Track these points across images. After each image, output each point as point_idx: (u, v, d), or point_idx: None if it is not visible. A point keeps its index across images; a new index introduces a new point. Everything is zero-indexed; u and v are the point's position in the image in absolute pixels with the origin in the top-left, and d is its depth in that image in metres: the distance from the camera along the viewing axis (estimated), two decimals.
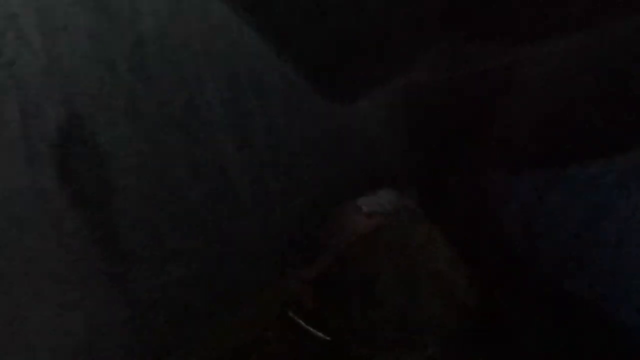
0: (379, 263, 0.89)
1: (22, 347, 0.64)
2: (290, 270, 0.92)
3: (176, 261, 0.76)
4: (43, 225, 0.66)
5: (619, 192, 0.71)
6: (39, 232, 0.65)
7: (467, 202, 0.95)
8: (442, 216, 0.93)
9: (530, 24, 0.84)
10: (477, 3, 0.92)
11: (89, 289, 0.69)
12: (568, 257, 0.70)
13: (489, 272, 0.86)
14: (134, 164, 0.74)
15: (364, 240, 0.92)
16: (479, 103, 0.94)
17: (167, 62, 0.77)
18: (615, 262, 0.65)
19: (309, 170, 0.98)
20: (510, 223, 0.81)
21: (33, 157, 0.64)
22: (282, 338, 0.86)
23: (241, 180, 0.87)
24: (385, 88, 1.02)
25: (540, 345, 0.74)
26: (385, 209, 0.97)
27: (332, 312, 0.88)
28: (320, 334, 0.87)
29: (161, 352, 0.75)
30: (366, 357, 0.83)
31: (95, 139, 0.70)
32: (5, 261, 0.62)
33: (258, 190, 0.90)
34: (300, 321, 0.88)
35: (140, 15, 0.75)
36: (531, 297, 0.78)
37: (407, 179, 1.07)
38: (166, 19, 0.77)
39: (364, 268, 0.90)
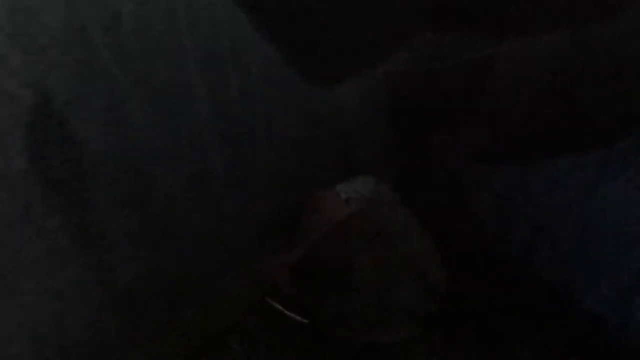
0: (355, 248, 0.91)
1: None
2: (269, 256, 0.92)
3: (152, 246, 0.75)
4: (13, 210, 0.63)
5: (586, 186, 0.74)
6: (9, 216, 0.62)
7: (443, 191, 0.97)
8: (418, 203, 0.95)
9: (514, 20, 0.85)
10: None
11: (65, 275, 0.67)
12: (538, 245, 0.73)
13: (461, 257, 0.88)
14: (109, 147, 0.71)
15: (342, 226, 0.93)
16: (459, 94, 0.95)
17: (146, 38, 0.73)
18: (583, 251, 0.69)
19: (289, 155, 0.97)
20: (484, 212, 0.83)
21: (2, 140, 0.61)
22: (261, 322, 0.87)
23: (220, 164, 0.85)
24: (366, 74, 1.01)
25: (508, 328, 0.78)
26: (363, 195, 0.98)
27: (309, 296, 0.90)
28: (298, 317, 0.88)
29: (140, 337, 0.74)
30: (343, 339, 0.85)
31: (68, 122, 0.66)
32: None
33: (237, 173, 0.88)
34: (279, 306, 0.89)
35: None
36: (501, 282, 0.81)
37: (385, 166, 1.08)
38: None
39: (341, 253, 0.91)
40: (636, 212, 0.67)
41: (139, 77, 0.76)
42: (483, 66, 0.91)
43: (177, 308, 0.82)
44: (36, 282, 0.65)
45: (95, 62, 0.70)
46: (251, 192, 0.92)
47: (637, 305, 0.62)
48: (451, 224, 0.92)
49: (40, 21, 0.64)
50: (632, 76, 0.73)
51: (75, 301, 0.69)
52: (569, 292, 0.67)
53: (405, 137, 1.06)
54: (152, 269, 0.77)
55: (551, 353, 0.71)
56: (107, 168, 0.72)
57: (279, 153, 0.96)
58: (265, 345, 0.83)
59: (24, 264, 0.64)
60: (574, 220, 0.72)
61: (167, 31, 0.79)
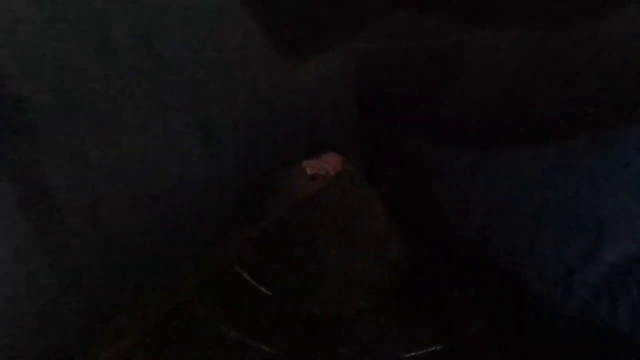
0: (320, 223, 0.91)
1: None
2: (235, 229, 0.92)
3: (117, 223, 0.72)
4: None
5: (541, 177, 0.78)
6: None
7: (405, 171, 0.98)
8: (381, 182, 0.96)
9: (486, 10, 0.86)
10: None
11: (22, 258, 0.63)
12: (492, 228, 0.77)
13: (421, 236, 0.91)
14: (66, 122, 0.67)
15: (307, 202, 0.94)
16: (427, 77, 0.96)
17: (118, 13, 0.68)
18: (533, 236, 0.72)
19: (258, 129, 0.95)
20: (444, 195, 0.86)
21: None
22: (227, 291, 0.87)
23: (189, 136, 0.83)
24: (337, 50, 1.00)
25: (462, 303, 0.82)
26: (328, 173, 0.98)
27: (273, 270, 0.90)
28: (263, 289, 0.89)
29: (101, 314, 0.72)
30: (305, 311, 0.86)
31: (23, 102, 0.62)
32: None
33: (206, 147, 0.86)
34: (246, 275, 0.89)
35: None
36: (457, 261, 0.84)
37: (351, 144, 1.08)
38: None
39: (305, 228, 0.92)
40: (584, 204, 0.71)
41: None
42: (453, 52, 0.92)
43: (143, 284, 0.80)
44: None
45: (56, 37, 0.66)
46: (217, 167, 0.91)
47: (577, 283, 0.66)
48: (412, 204, 0.94)
49: None
50: (593, 81, 0.76)
51: (38, 284, 0.66)
52: (517, 273, 0.71)
53: (371, 117, 1.06)
54: (117, 246, 0.75)
55: (501, 328, 0.76)
56: (65, 142, 0.67)
57: (250, 127, 0.95)
58: (231, 313, 0.83)
59: None
60: (526, 207, 0.76)
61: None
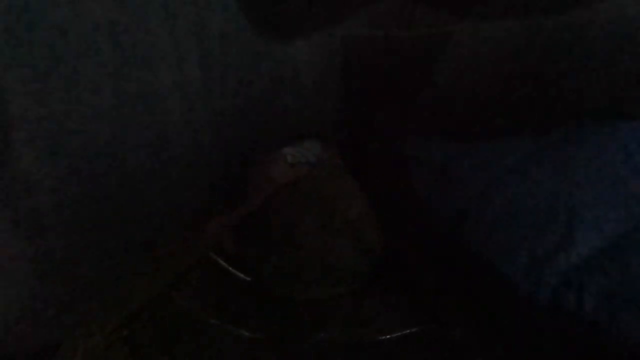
0: (299, 210, 0.90)
1: None
2: (213, 215, 0.90)
3: (94, 206, 0.69)
4: None
5: (517, 168, 0.78)
6: None
7: (385, 161, 0.98)
8: (361, 171, 0.95)
9: (475, 1, 0.84)
10: None
11: None
12: (467, 218, 0.77)
13: (398, 224, 0.91)
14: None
15: (287, 189, 0.92)
16: (414, 67, 0.94)
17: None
18: (506, 226, 0.73)
19: (240, 114, 0.92)
20: (421, 184, 0.85)
21: None
22: (206, 278, 0.85)
23: (172, 120, 0.80)
24: (323, 35, 0.96)
25: (435, 290, 0.83)
26: (309, 160, 0.96)
27: (252, 256, 0.89)
28: (241, 275, 0.88)
29: (80, 303, 0.70)
30: (284, 295, 0.86)
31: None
32: None
33: (187, 131, 0.83)
34: (223, 262, 0.88)
35: None
36: (432, 249, 0.85)
37: (332, 132, 1.07)
38: None
39: (285, 214, 0.91)
40: (557, 196, 0.72)
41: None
42: (441, 43, 0.90)
43: (121, 267, 0.78)
44: None
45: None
46: (196, 153, 0.88)
47: (548, 271, 0.67)
48: (391, 192, 0.93)
49: None
50: (573, 73, 0.76)
51: (9, 272, 0.63)
52: (490, 260, 0.72)
53: (354, 105, 1.04)
54: (93, 230, 0.72)
55: (474, 313, 0.77)
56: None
57: (232, 112, 0.92)
58: (209, 300, 0.82)
59: None
60: (501, 197, 0.76)
61: None
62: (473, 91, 0.86)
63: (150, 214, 0.81)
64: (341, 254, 0.88)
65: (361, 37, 0.99)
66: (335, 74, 1.04)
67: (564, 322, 0.65)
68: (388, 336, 0.79)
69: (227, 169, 0.93)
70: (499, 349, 0.71)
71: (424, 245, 0.87)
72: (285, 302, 0.84)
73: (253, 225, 0.91)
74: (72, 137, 0.67)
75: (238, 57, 0.88)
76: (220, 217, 0.91)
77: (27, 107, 0.63)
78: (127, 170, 0.75)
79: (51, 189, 0.66)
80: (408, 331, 0.79)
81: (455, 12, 0.86)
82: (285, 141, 0.99)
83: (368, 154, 1.04)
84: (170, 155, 0.82)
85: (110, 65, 0.70)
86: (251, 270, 0.88)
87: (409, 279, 0.87)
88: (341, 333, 0.80)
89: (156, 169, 0.80)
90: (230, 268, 0.88)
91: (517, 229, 0.72)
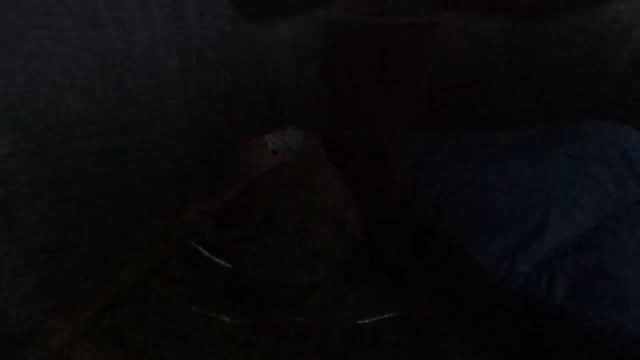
0: (280, 197, 0.88)
1: None
2: (193, 202, 0.86)
3: (74, 195, 0.65)
4: None
5: (494, 161, 0.79)
6: None
7: (366, 149, 0.96)
8: (342, 159, 0.94)
9: None
10: None
11: None
12: (445, 207, 0.77)
13: (377, 211, 0.90)
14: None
15: (268, 175, 0.90)
16: (397, 55, 0.91)
17: None
18: (482, 216, 0.73)
19: (218, 100, 0.88)
20: (401, 173, 0.84)
21: None
22: (185, 265, 0.83)
23: (147, 105, 0.75)
24: (305, 18, 0.92)
25: (413, 275, 0.83)
26: (290, 147, 0.94)
27: (233, 242, 0.86)
28: (221, 262, 0.85)
29: (60, 291, 0.66)
30: (263, 281, 0.84)
31: None
32: None
33: (162, 117, 0.79)
34: (203, 250, 0.85)
35: None
36: (410, 237, 0.85)
37: (314, 119, 1.03)
38: None
39: (266, 201, 0.88)
40: (532, 190, 0.72)
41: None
42: (424, 32, 0.87)
43: (100, 256, 0.74)
44: None
45: None
46: (177, 138, 0.83)
47: (520, 260, 0.68)
48: (371, 180, 0.92)
49: None
50: (551, 74, 0.75)
51: None
52: (467, 248, 0.72)
53: (335, 90, 1.01)
54: (76, 218, 0.67)
55: (449, 298, 0.78)
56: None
57: (208, 97, 0.87)
58: (189, 288, 0.80)
59: None
60: (477, 188, 0.76)
61: None
62: (455, 83, 0.85)
63: (128, 201, 0.77)
64: (321, 240, 0.87)
65: (344, 22, 0.95)
66: (317, 58, 1.00)
67: (534, 309, 0.66)
68: (366, 320, 0.79)
69: (207, 155, 0.89)
70: (472, 333, 0.72)
71: (402, 232, 0.87)
72: (265, 287, 0.83)
73: (234, 212, 0.88)
74: (39, 118, 0.62)
75: (217, 38, 0.83)
76: (201, 204, 0.87)
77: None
78: (102, 156, 0.70)
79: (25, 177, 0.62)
80: (385, 316, 0.79)
81: (440, 4, 0.84)
82: (267, 127, 0.96)
83: (349, 141, 1.02)
84: (147, 139, 0.78)
85: (85, 43, 0.64)
86: (231, 257, 0.86)
87: (387, 265, 0.86)
88: (321, 318, 0.79)
89: (132, 154, 0.76)
90: (211, 255, 0.85)
91: (493, 219, 0.72)
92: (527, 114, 0.77)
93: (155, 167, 0.81)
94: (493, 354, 0.69)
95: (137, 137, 0.76)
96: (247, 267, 0.86)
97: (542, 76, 0.79)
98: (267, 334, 0.75)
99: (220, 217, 0.88)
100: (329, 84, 1.02)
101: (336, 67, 0.99)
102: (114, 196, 0.73)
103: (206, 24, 0.81)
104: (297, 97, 1.04)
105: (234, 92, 0.92)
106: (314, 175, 0.93)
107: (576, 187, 0.71)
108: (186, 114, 0.84)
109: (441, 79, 0.87)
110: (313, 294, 0.84)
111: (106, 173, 0.72)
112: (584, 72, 0.80)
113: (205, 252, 0.85)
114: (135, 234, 0.79)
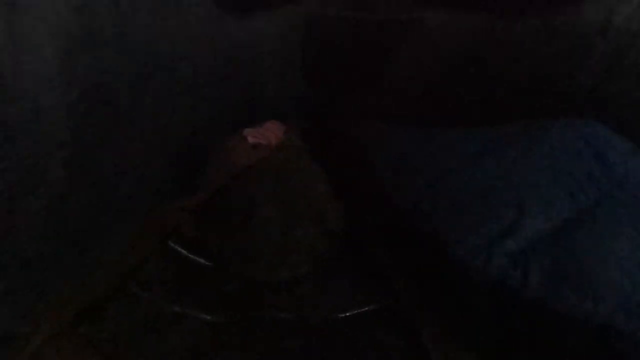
0: (260, 192, 0.86)
1: None
2: (171, 199, 0.83)
3: (50, 190, 0.61)
4: None
5: (472, 157, 0.79)
6: None
7: (347, 144, 0.95)
8: (322, 153, 0.92)
9: None
10: None
11: None
12: (424, 202, 0.77)
13: (358, 205, 0.89)
14: None
15: (248, 171, 0.88)
16: (378, 51, 0.90)
17: None
18: (459, 210, 0.74)
19: (197, 95, 0.84)
20: (382, 168, 0.84)
21: None
22: (163, 266, 0.80)
23: (124, 102, 0.71)
24: (286, 13, 0.89)
25: (393, 268, 0.83)
26: (270, 142, 0.91)
27: (213, 238, 0.84)
28: (201, 260, 0.83)
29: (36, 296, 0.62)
30: (245, 277, 0.82)
31: None
32: None
33: (140, 111, 0.75)
34: (181, 249, 0.82)
35: None
36: (391, 230, 0.85)
37: (294, 113, 1.01)
38: None
39: (246, 197, 0.86)
40: (509, 185, 0.73)
41: None
42: (405, 28, 0.86)
43: (75, 255, 0.70)
44: None
45: None
46: (154, 134, 0.80)
47: (497, 252, 0.68)
48: (351, 175, 0.91)
49: None
50: (528, 71, 0.75)
51: None
52: (445, 241, 0.72)
53: (317, 86, 0.99)
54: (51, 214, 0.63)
55: (428, 290, 0.78)
56: None
57: (188, 92, 0.84)
58: (168, 289, 0.77)
59: None
60: (456, 183, 0.77)
61: None
62: (434, 79, 0.84)
63: (104, 199, 0.73)
64: (301, 234, 0.86)
65: (325, 16, 0.93)
66: (297, 53, 0.98)
67: (510, 299, 0.66)
68: (348, 313, 0.78)
69: (186, 150, 0.86)
70: (451, 324, 0.73)
71: (382, 226, 0.86)
72: (246, 284, 0.81)
73: (214, 208, 0.86)
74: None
75: (195, 33, 0.80)
76: (180, 201, 0.85)
77: None
78: (76, 154, 0.67)
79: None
80: (367, 308, 0.79)
81: (420, 0, 0.83)
82: (247, 122, 0.93)
83: (330, 136, 1.01)
84: (123, 136, 0.74)
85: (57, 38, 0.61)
86: (212, 254, 0.84)
87: (367, 258, 0.86)
88: (303, 312, 0.78)
89: (108, 151, 0.72)
90: (190, 254, 0.83)
91: (471, 213, 0.72)
92: (504, 110, 0.78)
93: (132, 163, 0.77)
94: (472, 344, 0.70)
95: (112, 133, 0.73)
96: (227, 264, 0.84)
97: (518, 75, 0.79)
98: (249, 331, 0.74)
99: (200, 214, 0.86)
100: (309, 78, 1.00)
101: (317, 62, 0.97)
102: (88, 194, 0.70)
103: (184, 18, 0.78)
104: (278, 91, 1.01)
105: (213, 87, 0.89)
106: (294, 170, 0.91)
107: (550, 181, 0.71)
108: (164, 110, 0.81)
109: (420, 75, 0.87)
110: (295, 289, 0.83)
111: (80, 171, 0.68)
112: (560, 70, 0.81)
113: (184, 251, 0.83)
114: (112, 234, 0.76)
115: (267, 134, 0.93)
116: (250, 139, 0.91)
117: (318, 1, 0.91)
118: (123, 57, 0.70)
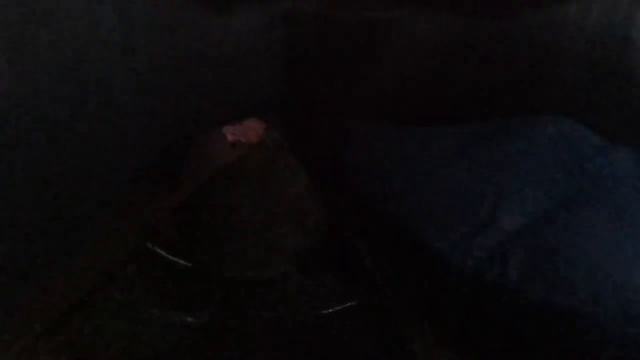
0: (240, 191, 0.85)
1: None
2: (148, 198, 0.81)
3: (25, 189, 0.59)
4: None
5: (451, 154, 0.80)
6: None
7: (327, 142, 0.95)
8: (302, 151, 0.92)
9: None
10: None
11: None
12: (404, 199, 0.78)
13: (339, 204, 0.89)
14: None
15: (227, 169, 0.86)
16: (357, 49, 0.89)
17: None
18: (439, 206, 0.75)
19: (174, 91, 0.82)
20: (361, 166, 0.84)
21: None
22: (142, 269, 0.78)
23: (99, 97, 0.68)
24: (265, 9, 0.87)
25: (374, 264, 0.83)
26: (250, 140, 0.90)
27: (192, 239, 0.83)
28: (182, 262, 0.81)
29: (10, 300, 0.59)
30: (225, 277, 0.81)
31: None
32: None
33: (113, 107, 0.72)
34: (161, 251, 0.81)
35: None
36: (372, 229, 0.85)
37: (274, 111, 1.00)
38: None
39: (225, 195, 0.85)
40: (486, 181, 0.74)
41: None
42: (385, 27, 0.86)
43: (52, 258, 0.67)
44: None
45: None
46: (131, 131, 0.77)
47: (475, 246, 0.69)
48: (332, 172, 0.91)
49: None
50: (508, 72, 0.76)
51: None
52: (424, 235, 0.73)
53: (296, 82, 0.98)
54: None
55: (408, 285, 0.79)
56: None
57: (165, 89, 0.81)
58: (149, 290, 0.76)
59: None
60: (435, 180, 0.78)
61: None
62: (414, 78, 0.84)
63: (77, 199, 0.71)
64: (283, 234, 0.85)
65: (306, 14, 0.92)
66: (277, 52, 0.96)
67: (489, 292, 0.67)
68: (330, 310, 0.79)
69: (164, 149, 0.84)
70: (433, 319, 0.74)
71: (363, 224, 0.87)
72: (227, 284, 0.80)
73: (192, 208, 0.84)
74: None
75: (173, 29, 0.78)
76: (158, 201, 0.82)
77: None
78: (47, 151, 0.64)
79: None
80: (348, 304, 0.79)
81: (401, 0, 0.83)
82: (226, 119, 0.91)
83: (310, 134, 1.00)
84: (97, 132, 0.71)
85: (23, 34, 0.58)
86: (191, 255, 0.82)
87: (349, 255, 0.86)
88: (286, 311, 0.78)
89: (82, 148, 0.70)
90: (169, 256, 0.81)
91: (450, 208, 0.73)
92: (482, 109, 0.79)
93: (107, 162, 0.75)
94: (455, 339, 0.71)
95: (86, 129, 0.70)
96: (208, 264, 0.83)
97: (499, 74, 0.80)
98: (232, 331, 0.73)
99: (179, 213, 0.84)
100: (289, 76, 0.99)
101: (297, 59, 0.96)
102: (60, 193, 0.67)
103: (161, 14, 0.76)
104: (257, 89, 0.99)
105: (191, 84, 0.87)
106: (274, 168, 0.90)
107: (527, 176, 0.73)
108: (141, 107, 0.78)
109: (400, 74, 0.87)
110: (277, 287, 0.82)
111: (51, 168, 0.65)
112: (540, 70, 0.82)
113: (163, 253, 0.81)
114: (86, 236, 0.73)
115: (246, 132, 0.91)
116: (230, 137, 0.89)
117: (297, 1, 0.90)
118: None
